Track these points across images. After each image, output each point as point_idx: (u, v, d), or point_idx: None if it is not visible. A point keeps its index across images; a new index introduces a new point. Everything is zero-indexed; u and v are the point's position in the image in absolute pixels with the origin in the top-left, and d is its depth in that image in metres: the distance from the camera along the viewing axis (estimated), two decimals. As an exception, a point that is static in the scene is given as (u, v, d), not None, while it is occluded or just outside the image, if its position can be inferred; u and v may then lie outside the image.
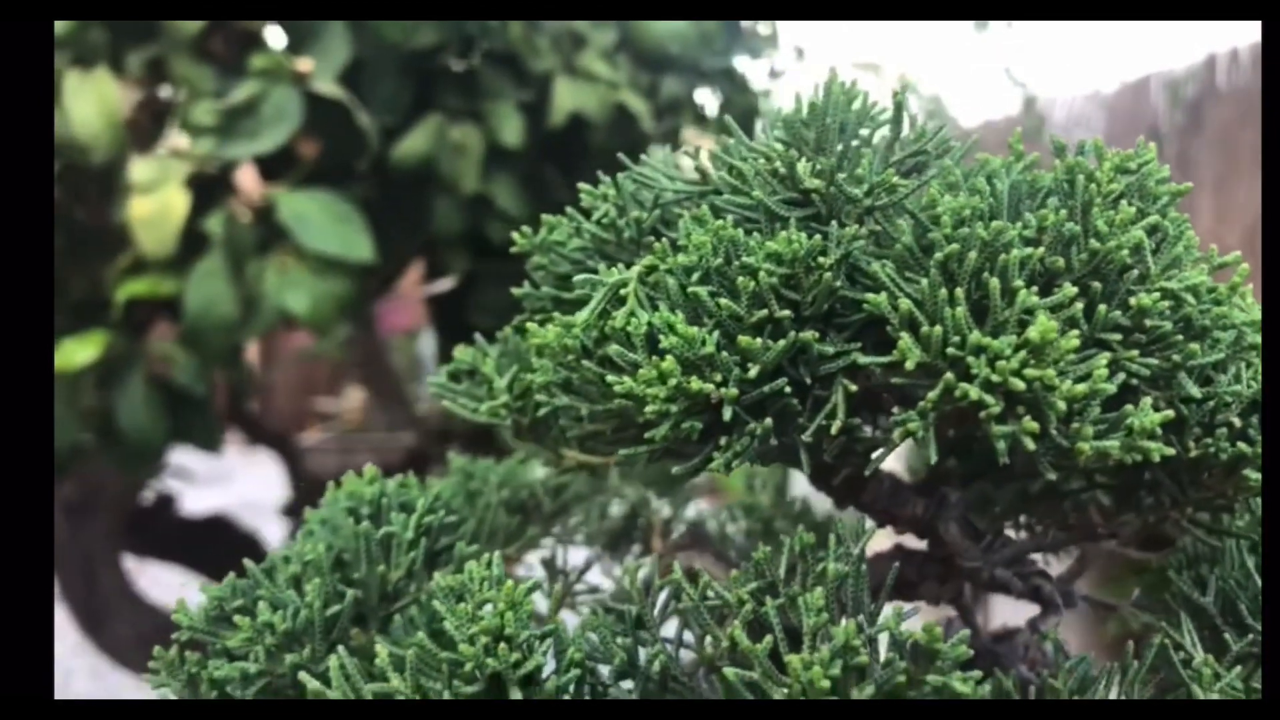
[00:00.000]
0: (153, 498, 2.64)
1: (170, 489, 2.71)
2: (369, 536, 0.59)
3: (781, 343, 0.53)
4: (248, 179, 2.01)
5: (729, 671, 0.49)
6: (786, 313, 0.53)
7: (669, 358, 0.52)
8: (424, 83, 1.96)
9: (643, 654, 0.54)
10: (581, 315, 0.58)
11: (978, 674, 0.47)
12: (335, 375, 3.58)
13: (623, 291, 0.58)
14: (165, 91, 2.01)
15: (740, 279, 0.54)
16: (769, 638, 0.50)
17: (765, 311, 0.53)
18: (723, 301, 0.54)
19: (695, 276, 0.56)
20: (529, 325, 0.61)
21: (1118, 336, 0.53)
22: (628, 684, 0.52)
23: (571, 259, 0.68)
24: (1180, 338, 0.54)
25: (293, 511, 2.72)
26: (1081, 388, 0.49)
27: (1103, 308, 0.53)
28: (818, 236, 0.54)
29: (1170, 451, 0.51)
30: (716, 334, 0.54)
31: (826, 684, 0.46)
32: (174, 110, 2.00)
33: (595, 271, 0.63)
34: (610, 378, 0.56)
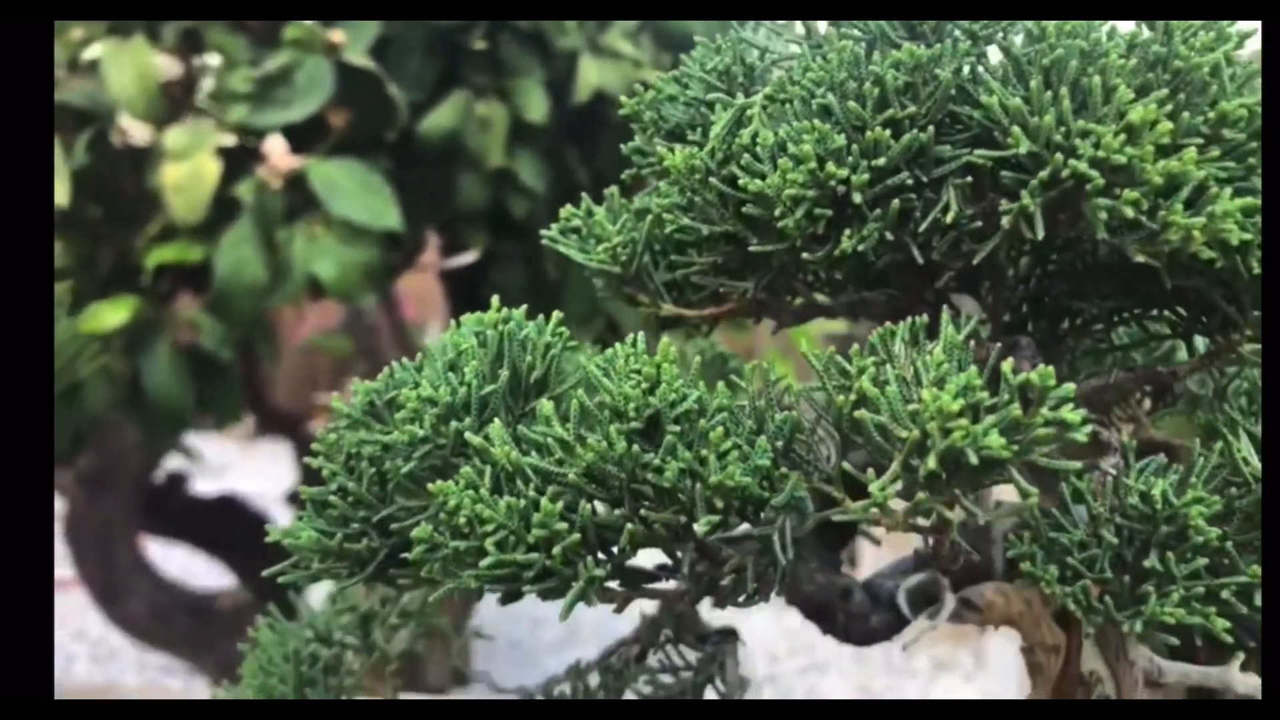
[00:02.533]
0: (164, 477, 2.68)
1: (181, 469, 2.75)
2: (511, 336, 0.65)
3: (906, 137, 0.60)
4: (275, 152, 2.06)
5: (862, 414, 0.55)
6: (910, 109, 0.60)
7: (805, 146, 0.59)
8: (451, 59, 2.03)
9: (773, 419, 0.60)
10: (714, 130, 0.65)
11: (1083, 411, 0.54)
12: (337, 370, 3.61)
13: (749, 113, 0.65)
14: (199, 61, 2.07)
15: (866, 86, 0.61)
16: (893, 386, 0.56)
17: (890, 112, 0.60)
18: (850, 105, 0.61)
19: (821, 90, 0.62)
20: (660, 149, 0.68)
21: (1200, 141, 0.60)
22: (762, 441, 0.58)
23: (679, 116, 0.74)
24: (1254, 145, 0.61)
25: (299, 499, 2.75)
26: (1175, 163, 0.56)
27: (1186, 114, 0.60)
28: (937, 46, 0.61)
29: (1247, 236, 0.58)
30: (844, 135, 0.61)
31: (956, 406, 0.52)
32: (201, 78, 2.06)
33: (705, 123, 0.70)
34: (742, 180, 0.62)
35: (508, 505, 0.55)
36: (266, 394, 2.77)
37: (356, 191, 1.92)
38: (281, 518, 2.74)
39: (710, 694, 0.81)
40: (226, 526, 2.72)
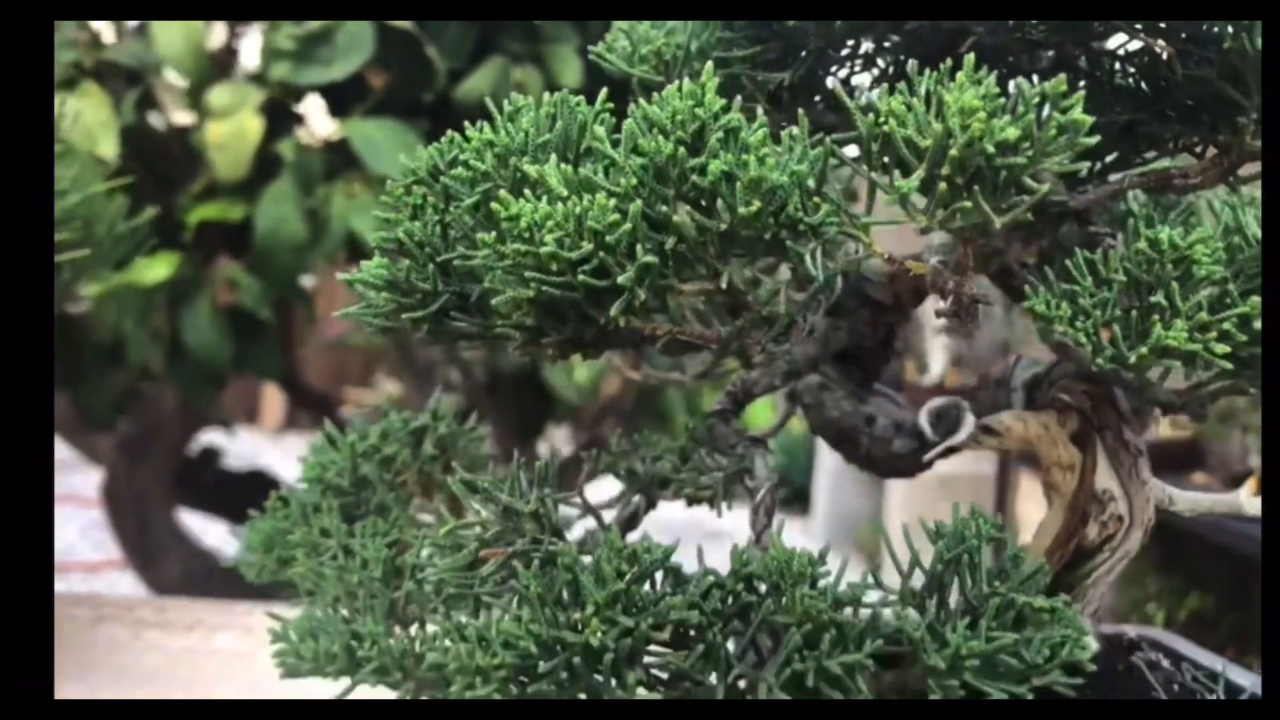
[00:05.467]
0: (198, 451, 2.74)
1: (214, 444, 2.80)
2: (564, 101, 0.71)
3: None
4: (314, 117, 2.13)
5: (890, 126, 0.61)
6: None
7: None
8: (488, 26, 2.08)
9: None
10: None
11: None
12: (367, 365, 3.67)
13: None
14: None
15: None
16: (919, 105, 0.61)
17: None
18: None
19: None
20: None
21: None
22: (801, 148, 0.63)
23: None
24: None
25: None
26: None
27: None
28: None
29: None
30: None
31: (977, 104, 0.58)
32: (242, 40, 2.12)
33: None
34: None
35: (565, 208, 0.60)
36: (300, 373, 2.82)
37: (396, 150, 1.97)
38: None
39: (739, 491, 0.86)
40: (257, 501, 2.75)
